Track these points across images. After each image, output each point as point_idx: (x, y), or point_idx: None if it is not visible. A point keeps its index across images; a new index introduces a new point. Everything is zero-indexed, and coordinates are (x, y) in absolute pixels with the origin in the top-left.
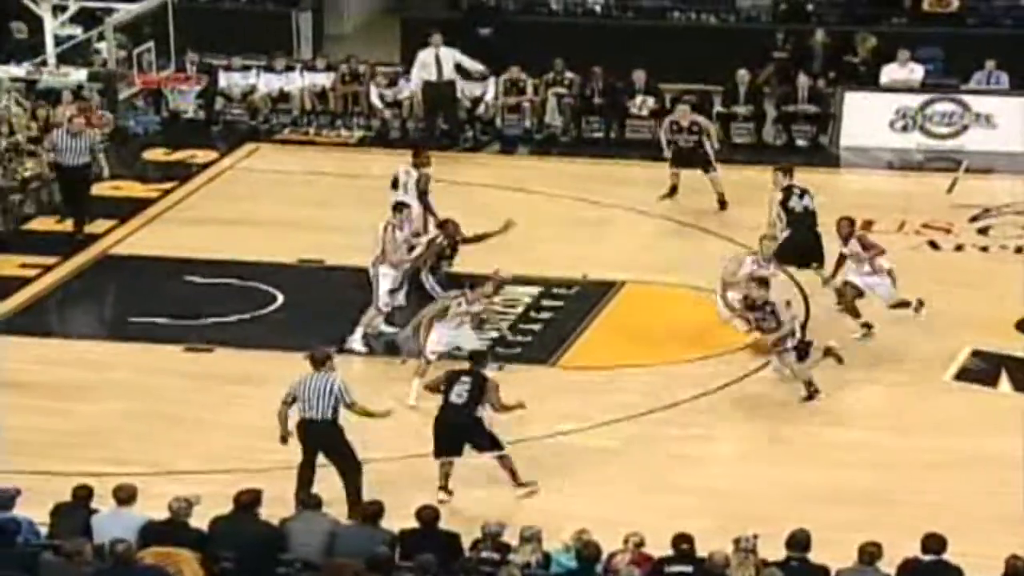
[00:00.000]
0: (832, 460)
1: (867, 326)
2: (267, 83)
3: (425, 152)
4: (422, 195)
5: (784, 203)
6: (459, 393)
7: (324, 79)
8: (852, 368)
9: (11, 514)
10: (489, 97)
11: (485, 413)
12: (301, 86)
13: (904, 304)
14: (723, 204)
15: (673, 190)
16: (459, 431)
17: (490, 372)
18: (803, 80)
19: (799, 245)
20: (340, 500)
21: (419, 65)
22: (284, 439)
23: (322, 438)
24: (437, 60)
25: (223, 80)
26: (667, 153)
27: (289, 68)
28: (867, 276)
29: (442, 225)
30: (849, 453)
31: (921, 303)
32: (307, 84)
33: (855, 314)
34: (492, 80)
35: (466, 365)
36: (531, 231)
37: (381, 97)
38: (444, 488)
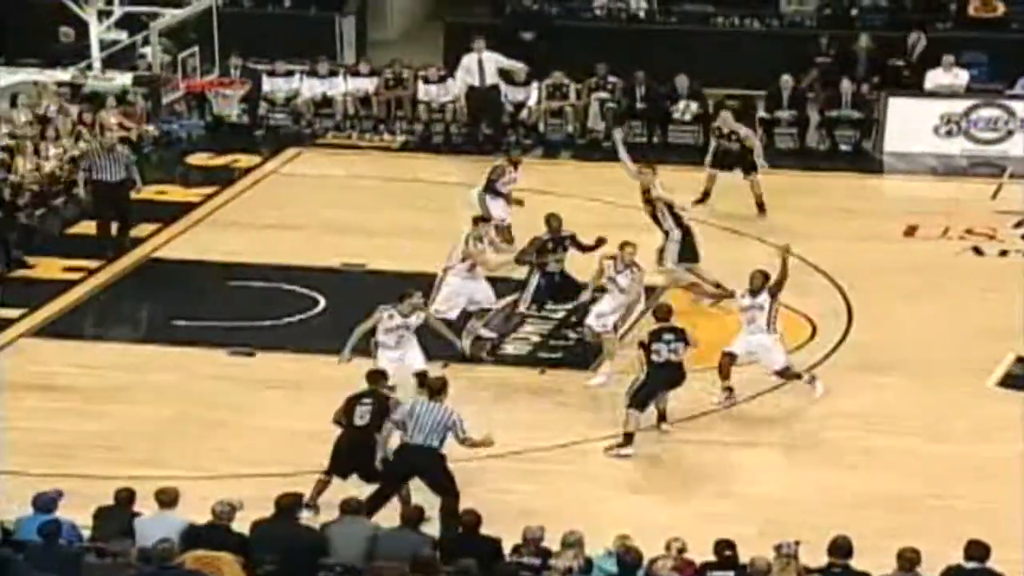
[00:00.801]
0: (874, 466)
1: (729, 390)
2: (310, 88)
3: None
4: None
5: (671, 207)
6: (361, 415)
7: (367, 84)
8: (895, 374)
9: (53, 516)
10: (532, 102)
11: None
12: (344, 91)
13: (795, 376)
14: (762, 208)
15: (705, 195)
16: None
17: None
18: (847, 85)
19: (691, 246)
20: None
21: (462, 70)
22: (384, 462)
23: (424, 464)
24: (480, 65)
25: (267, 85)
26: (709, 157)
27: (332, 73)
28: (756, 335)
29: (547, 220)
30: (891, 459)
31: (814, 378)
32: (350, 89)
33: (725, 375)
34: (535, 85)
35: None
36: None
37: (427, 101)
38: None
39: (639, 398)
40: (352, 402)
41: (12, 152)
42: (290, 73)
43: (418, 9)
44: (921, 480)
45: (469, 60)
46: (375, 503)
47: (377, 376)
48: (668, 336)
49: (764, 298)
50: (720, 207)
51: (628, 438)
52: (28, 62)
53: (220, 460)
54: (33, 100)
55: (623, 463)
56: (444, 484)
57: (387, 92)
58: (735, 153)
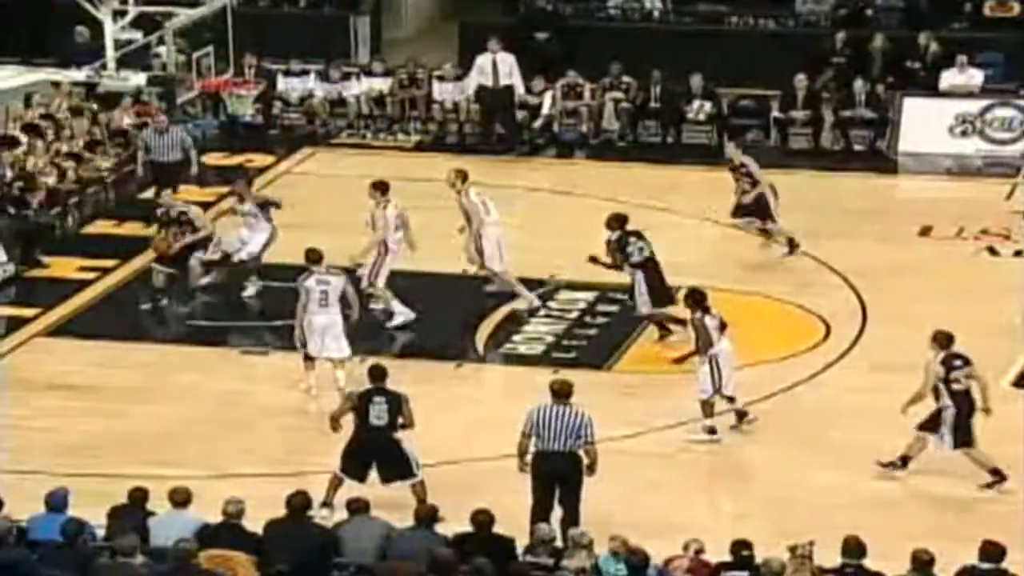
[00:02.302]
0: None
1: (712, 431)
2: (325, 88)
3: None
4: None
5: (623, 249)
6: (378, 415)
7: (381, 84)
8: (910, 374)
9: (70, 515)
10: (546, 109)
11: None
12: (358, 92)
13: (730, 399)
14: (792, 247)
15: (789, 243)
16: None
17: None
18: (861, 85)
19: (656, 288)
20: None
21: (476, 70)
22: (523, 469)
23: (565, 471)
24: (494, 65)
25: (281, 84)
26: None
27: (345, 76)
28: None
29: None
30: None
31: (743, 415)
32: (364, 89)
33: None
34: (548, 93)
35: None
36: (587, 236)
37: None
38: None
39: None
40: (363, 400)
41: (27, 151)
42: (304, 73)
43: (433, 8)
44: (936, 481)
45: (484, 60)
46: (537, 515)
47: (383, 372)
48: (958, 363)
49: (712, 318)
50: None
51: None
52: (43, 62)
53: (234, 459)
54: (48, 100)
55: (633, 463)
56: (577, 497)
57: (401, 91)
58: (752, 199)
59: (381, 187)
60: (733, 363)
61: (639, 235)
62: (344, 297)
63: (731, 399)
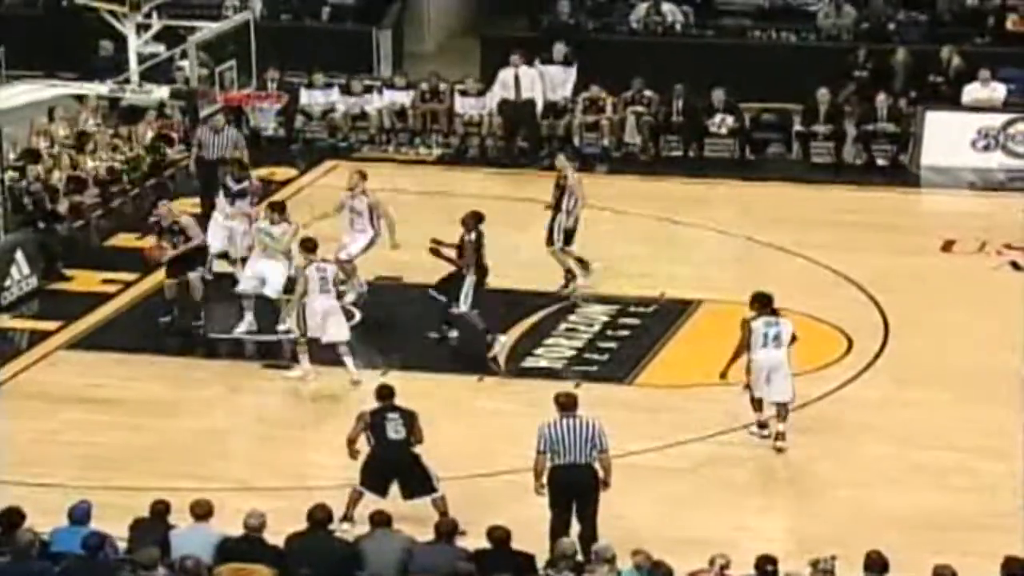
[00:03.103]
0: (914, 481)
1: (763, 426)
2: (347, 102)
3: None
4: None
5: (479, 250)
6: (395, 429)
7: (403, 97)
8: (931, 389)
9: (91, 528)
10: (569, 89)
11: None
12: (380, 106)
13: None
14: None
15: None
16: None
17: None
18: (883, 99)
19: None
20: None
21: (499, 84)
22: (539, 491)
23: (583, 484)
24: (516, 79)
25: (304, 98)
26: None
27: (367, 90)
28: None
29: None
30: (931, 475)
31: (763, 425)
32: (386, 103)
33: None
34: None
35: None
36: (608, 250)
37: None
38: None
39: None
40: (377, 417)
41: (52, 166)
42: (327, 86)
43: (455, 22)
44: (962, 496)
45: (506, 74)
46: (556, 530)
47: (391, 390)
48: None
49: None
50: (762, 221)
51: None
52: (67, 75)
53: (256, 472)
54: (72, 114)
55: (654, 476)
56: (595, 510)
57: (423, 105)
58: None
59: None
60: (774, 374)
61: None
62: (334, 282)
63: (758, 405)
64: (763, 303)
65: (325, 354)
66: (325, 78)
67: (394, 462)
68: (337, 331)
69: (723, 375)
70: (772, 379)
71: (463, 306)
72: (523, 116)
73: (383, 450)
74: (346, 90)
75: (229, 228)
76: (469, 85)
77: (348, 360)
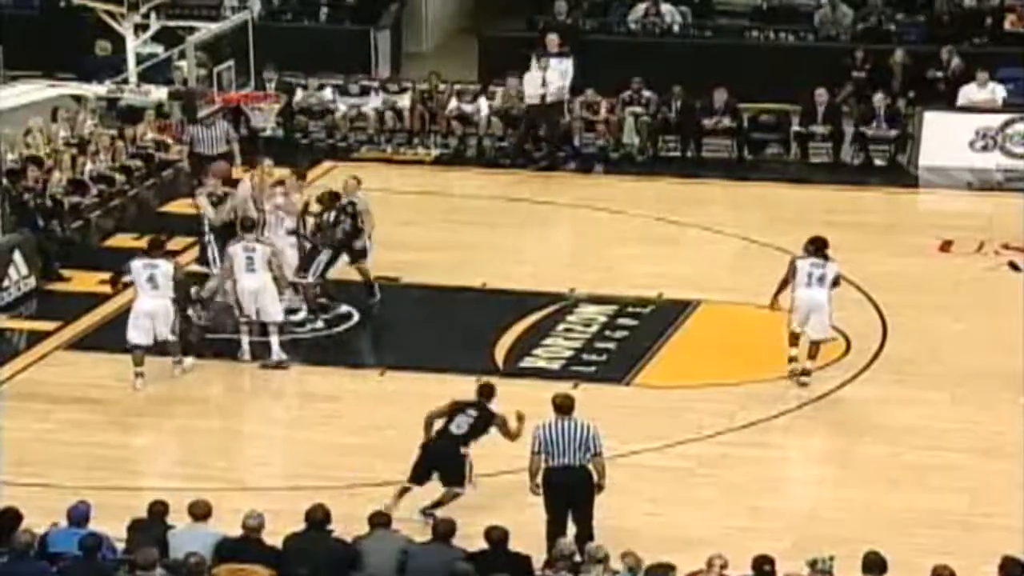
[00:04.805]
0: (913, 482)
1: (792, 360)
2: (345, 102)
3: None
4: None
5: (335, 226)
6: (459, 424)
7: (400, 99)
8: (929, 389)
9: (89, 529)
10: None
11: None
12: (378, 107)
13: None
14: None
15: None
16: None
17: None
18: (881, 99)
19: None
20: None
21: (529, 84)
22: (535, 491)
23: (577, 486)
24: (544, 80)
25: (298, 96)
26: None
27: (364, 92)
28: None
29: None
30: (931, 474)
31: (804, 372)
32: (383, 104)
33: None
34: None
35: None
36: (606, 250)
37: (459, 112)
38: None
39: None
40: (455, 408)
41: (52, 166)
42: (323, 87)
43: (453, 23)
44: (961, 496)
45: (532, 76)
46: (552, 532)
47: (491, 391)
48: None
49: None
50: (760, 221)
51: None
52: (65, 76)
53: (253, 473)
54: (72, 115)
55: (653, 477)
56: (590, 511)
57: (422, 107)
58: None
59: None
60: (813, 313)
61: (347, 213)
62: (270, 265)
63: (793, 339)
64: (817, 246)
65: (324, 354)
66: (321, 81)
67: (441, 454)
68: (270, 310)
69: (772, 306)
70: (811, 318)
71: (310, 277)
72: (547, 116)
73: (437, 439)
74: (343, 91)
75: None
76: (467, 89)
77: (274, 340)
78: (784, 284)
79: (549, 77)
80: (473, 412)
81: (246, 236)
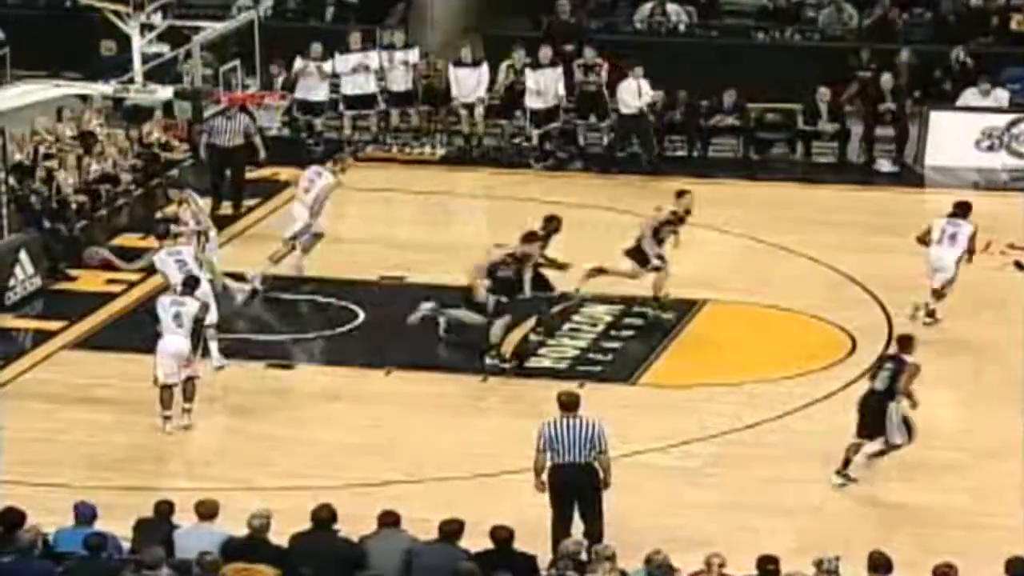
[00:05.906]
0: (919, 481)
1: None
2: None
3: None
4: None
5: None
6: (882, 379)
7: (411, 56)
8: (936, 389)
9: (95, 528)
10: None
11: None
12: (378, 66)
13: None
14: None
15: None
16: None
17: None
18: (887, 99)
19: None
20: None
21: (627, 93)
22: (540, 488)
23: (582, 483)
24: (638, 89)
25: (298, 63)
26: None
27: (365, 47)
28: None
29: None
30: (936, 475)
31: (931, 313)
32: (388, 61)
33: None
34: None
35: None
36: (612, 249)
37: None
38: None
39: None
40: (878, 362)
41: (57, 165)
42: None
43: (458, 22)
44: (967, 497)
45: (629, 85)
46: (558, 530)
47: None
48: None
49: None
50: (765, 221)
51: None
52: (70, 75)
53: (259, 472)
54: (77, 114)
55: (658, 477)
56: (598, 510)
57: (425, 75)
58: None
59: None
60: (938, 270)
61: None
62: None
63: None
64: (962, 209)
65: (323, 354)
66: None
67: (871, 408)
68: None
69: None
70: (936, 273)
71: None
72: (639, 127)
73: (866, 395)
74: (345, 50)
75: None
76: (463, 55)
77: (213, 345)
78: (920, 240)
79: (545, 86)
80: (890, 365)
81: (168, 243)
